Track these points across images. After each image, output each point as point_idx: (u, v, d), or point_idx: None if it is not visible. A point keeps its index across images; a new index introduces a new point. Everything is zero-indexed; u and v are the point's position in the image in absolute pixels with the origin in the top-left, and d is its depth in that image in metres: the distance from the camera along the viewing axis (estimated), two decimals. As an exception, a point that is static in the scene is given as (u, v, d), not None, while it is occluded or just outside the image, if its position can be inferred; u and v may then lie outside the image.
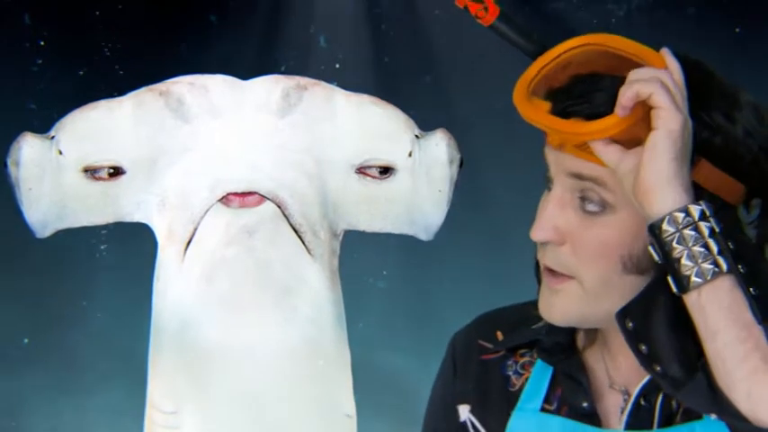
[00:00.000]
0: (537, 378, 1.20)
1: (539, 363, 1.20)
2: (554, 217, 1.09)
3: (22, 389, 3.55)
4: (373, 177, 1.13)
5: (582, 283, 1.09)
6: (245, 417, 1.08)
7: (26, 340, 3.57)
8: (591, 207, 1.07)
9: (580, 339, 1.21)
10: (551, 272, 1.12)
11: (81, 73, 3.33)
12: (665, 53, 1.03)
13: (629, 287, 1.08)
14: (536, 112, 1.07)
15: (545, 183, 1.13)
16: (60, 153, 1.09)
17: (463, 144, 1.15)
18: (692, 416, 1.09)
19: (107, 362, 3.44)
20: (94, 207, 1.11)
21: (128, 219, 1.12)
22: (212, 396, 1.07)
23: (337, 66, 3.42)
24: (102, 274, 3.37)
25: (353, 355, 1.14)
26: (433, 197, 1.16)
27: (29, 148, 1.10)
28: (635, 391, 1.14)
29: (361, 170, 1.13)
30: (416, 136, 1.14)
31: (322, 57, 3.44)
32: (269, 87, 1.10)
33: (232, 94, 1.09)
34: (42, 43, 3.39)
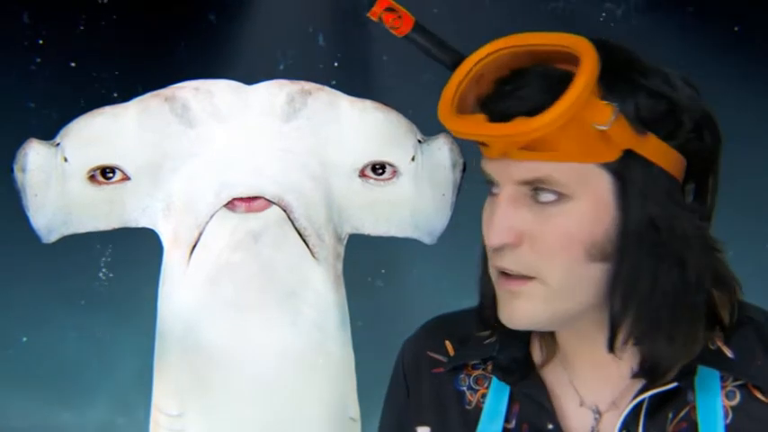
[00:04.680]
0: (495, 397, 1.15)
1: (495, 379, 1.15)
2: (508, 218, 1.03)
3: (20, 388, 3.55)
4: (376, 180, 1.14)
5: (545, 281, 1.04)
6: (250, 419, 1.08)
7: (24, 339, 3.56)
8: (545, 197, 1.03)
9: (536, 354, 1.15)
10: (505, 275, 1.06)
11: (80, 72, 3.32)
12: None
13: (596, 276, 1.04)
14: (474, 125, 1.03)
15: (488, 188, 1.08)
16: (65, 160, 1.10)
17: (465, 148, 1.15)
18: None
19: (108, 362, 3.44)
20: (100, 213, 1.12)
21: (133, 224, 1.12)
22: (217, 399, 1.08)
23: (336, 64, 3.41)
24: (106, 276, 3.36)
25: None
26: (437, 201, 1.16)
27: (35, 155, 1.10)
28: (607, 412, 1.10)
29: (365, 174, 1.14)
30: (419, 141, 1.15)
31: (321, 55, 3.43)
32: (273, 92, 1.10)
33: (237, 98, 1.10)
34: (41, 42, 3.38)
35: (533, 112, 0.99)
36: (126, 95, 1.13)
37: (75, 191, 1.11)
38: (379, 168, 1.14)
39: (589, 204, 1.03)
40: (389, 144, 1.13)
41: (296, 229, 1.07)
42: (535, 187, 1.04)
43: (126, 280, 3.21)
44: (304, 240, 1.08)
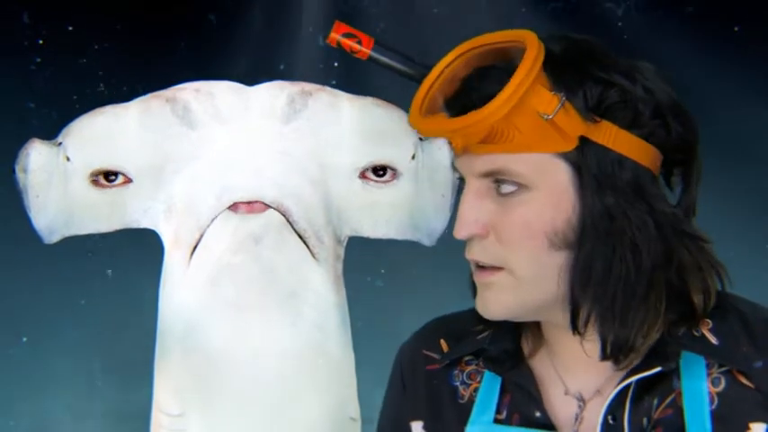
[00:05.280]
0: (487, 389, 1.17)
1: (487, 373, 1.18)
2: (473, 210, 1.08)
3: (21, 388, 3.55)
4: (376, 182, 1.14)
5: (513, 270, 1.07)
6: (251, 420, 1.08)
7: (24, 339, 3.57)
8: (506, 188, 1.06)
9: (526, 345, 1.18)
10: (480, 267, 1.10)
11: (80, 72, 3.32)
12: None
13: (561, 264, 1.07)
14: (434, 123, 1.08)
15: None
16: (68, 159, 1.10)
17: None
18: None
19: (108, 362, 3.44)
20: (101, 214, 1.12)
21: (134, 225, 1.12)
22: (218, 399, 1.08)
23: (336, 64, 3.41)
24: (106, 276, 3.37)
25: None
26: (437, 202, 1.17)
27: (37, 155, 1.10)
28: (591, 400, 1.12)
29: (365, 176, 1.14)
30: (420, 139, 1.15)
31: (321, 55, 3.43)
32: (274, 93, 1.10)
33: (237, 100, 1.10)
34: (41, 42, 3.38)
35: (485, 103, 1.02)
36: (126, 95, 1.13)
37: (77, 192, 1.11)
38: (379, 170, 1.14)
39: (548, 194, 1.06)
40: (390, 141, 1.13)
41: (296, 231, 1.08)
42: (496, 179, 1.07)
43: (126, 280, 3.21)
44: (304, 242, 1.08)
